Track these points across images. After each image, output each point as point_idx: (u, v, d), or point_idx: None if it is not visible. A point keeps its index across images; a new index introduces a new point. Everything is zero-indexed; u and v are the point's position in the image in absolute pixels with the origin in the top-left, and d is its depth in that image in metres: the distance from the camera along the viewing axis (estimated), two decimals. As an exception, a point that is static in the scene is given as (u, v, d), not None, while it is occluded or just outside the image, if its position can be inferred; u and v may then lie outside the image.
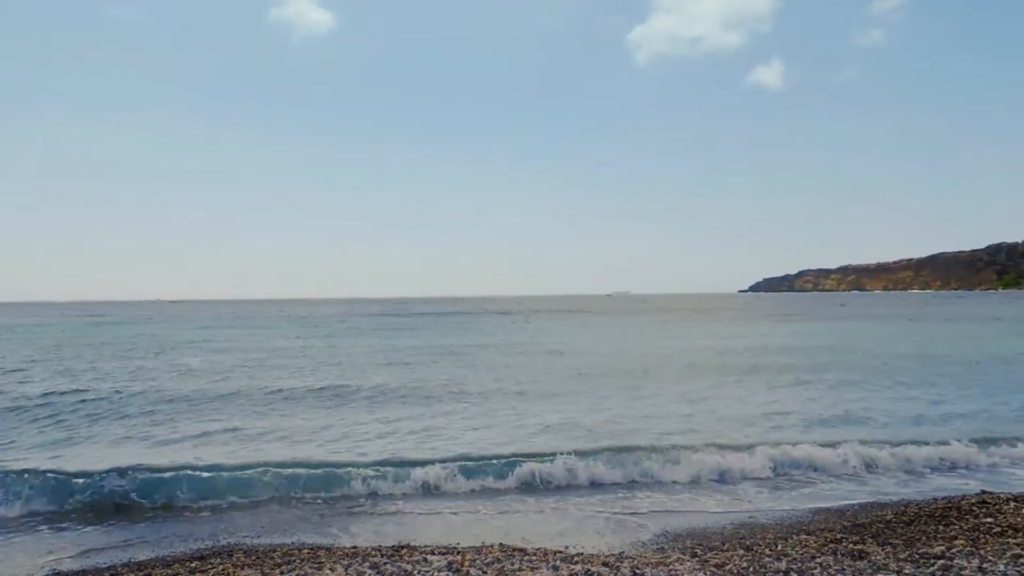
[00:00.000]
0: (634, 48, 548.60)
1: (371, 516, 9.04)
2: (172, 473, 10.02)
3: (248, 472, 10.15)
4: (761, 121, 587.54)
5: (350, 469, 10.33)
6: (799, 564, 6.26)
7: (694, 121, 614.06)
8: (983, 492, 9.34)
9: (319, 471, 10.27)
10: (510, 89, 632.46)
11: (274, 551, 7.28)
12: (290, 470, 10.26)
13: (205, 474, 10.06)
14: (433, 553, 6.94)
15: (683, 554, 6.83)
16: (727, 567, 6.24)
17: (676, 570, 6.17)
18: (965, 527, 7.56)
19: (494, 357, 29.25)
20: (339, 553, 7.10)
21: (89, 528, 8.64)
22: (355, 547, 7.44)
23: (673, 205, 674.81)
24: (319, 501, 9.64)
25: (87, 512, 9.22)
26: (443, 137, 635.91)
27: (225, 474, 10.09)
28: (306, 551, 7.23)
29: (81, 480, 9.79)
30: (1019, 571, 5.86)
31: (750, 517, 8.76)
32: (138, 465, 10.27)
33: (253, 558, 7.00)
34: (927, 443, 12.03)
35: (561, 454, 10.85)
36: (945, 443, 11.98)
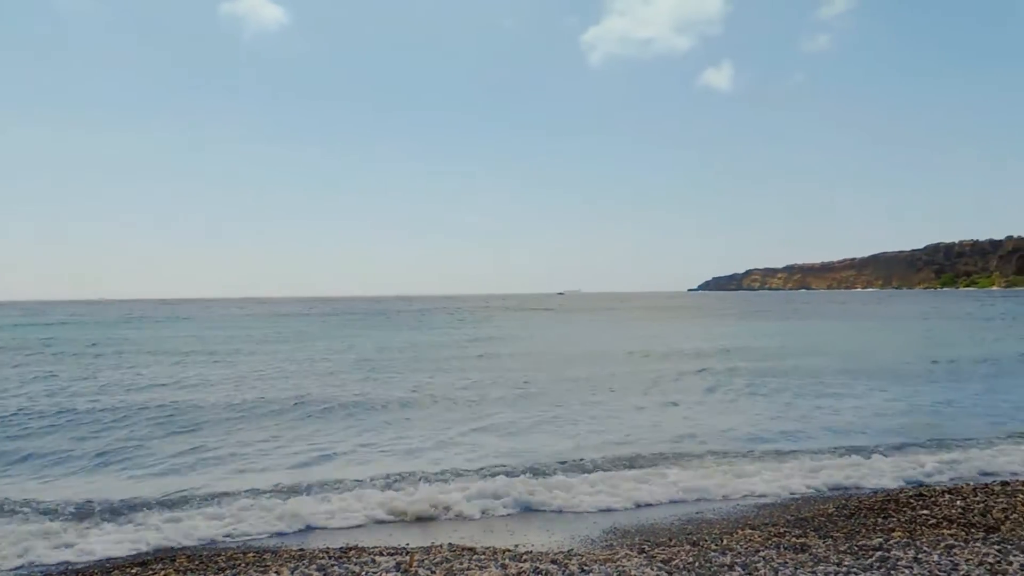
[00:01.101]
0: (588, 49, 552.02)
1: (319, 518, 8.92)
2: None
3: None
4: (711, 123, 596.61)
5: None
6: (743, 558, 6.37)
7: (646, 122, 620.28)
8: (919, 485, 9.63)
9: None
10: (465, 89, 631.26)
11: (218, 555, 7.15)
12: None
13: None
14: (381, 554, 6.89)
15: (631, 550, 6.89)
16: (673, 562, 6.32)
17: (624, 566, 6.22)
18: (903, 519, 7.79)
19: (434, 359, 29.27)
20: (285, 556, 7.00)
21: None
22: (302, 549, 7.35)
23: (624, 205, 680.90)
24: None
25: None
26: (399, 137, 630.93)
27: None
28: (252, 555, 7.12)
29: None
30: (952, 561, 6.06)
31: (697, 513, 8.89)
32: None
33: (196, 563, 6.86)
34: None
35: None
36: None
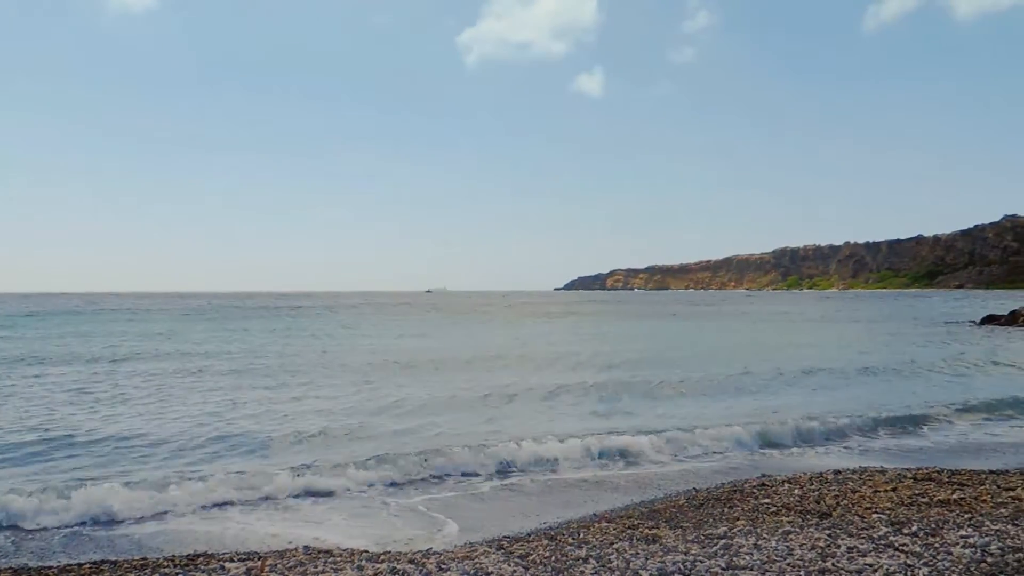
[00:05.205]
0: (464, 50, 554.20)
1: (162, 523, 8.45)
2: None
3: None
4: (581, 127, 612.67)
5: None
6: (598, 550, 6.53)
7: (518, 124, 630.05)
8: (763, 475, 10.20)
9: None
10: (336, 82, 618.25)
11: (48, 570, 6.62)
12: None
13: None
14: (231, 560, 6.59)
15: (489, 547, 6.91)
16: (531, 557, 6.40)
17: (481, 563, 6.24)
18: (746, 508, 8.22)
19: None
20: (126, 567, 6.56)
21: None
22: (144, 559, 6.89)
23: (492, 204, 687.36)
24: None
25: None
26: (263, 128, 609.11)
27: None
28: (87, 567, 6.63)
29: None
30: (788, 546, 6.45)
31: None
32: None
33: (23, 577, 6.34)
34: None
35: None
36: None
